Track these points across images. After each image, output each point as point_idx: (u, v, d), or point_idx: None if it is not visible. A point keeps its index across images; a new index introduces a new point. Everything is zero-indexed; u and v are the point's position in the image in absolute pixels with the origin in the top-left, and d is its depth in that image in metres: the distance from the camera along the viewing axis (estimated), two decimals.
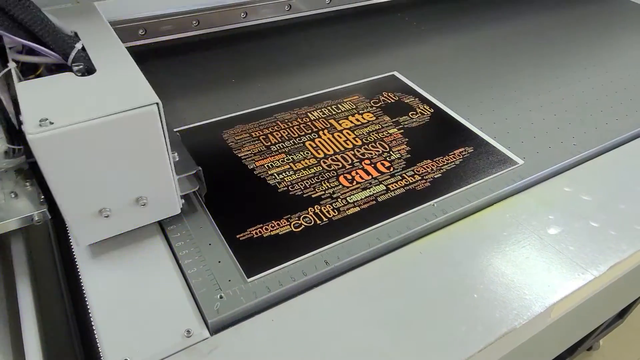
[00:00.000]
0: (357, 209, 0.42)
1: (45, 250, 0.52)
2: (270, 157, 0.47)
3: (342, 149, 0.49)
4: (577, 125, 0.54)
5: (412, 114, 0.54)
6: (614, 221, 0.43)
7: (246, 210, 0.42)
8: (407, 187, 0.44)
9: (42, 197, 0.40)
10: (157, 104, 0.33)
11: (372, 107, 0.55)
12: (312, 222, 0.41)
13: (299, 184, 0.44)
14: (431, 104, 0.56)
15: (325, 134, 0.50)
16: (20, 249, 0.41)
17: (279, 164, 0.46)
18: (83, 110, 0.32)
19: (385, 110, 0.54)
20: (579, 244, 0.41)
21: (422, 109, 0.55)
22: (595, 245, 0.41)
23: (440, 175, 0.46)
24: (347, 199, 0.43)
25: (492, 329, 0.34)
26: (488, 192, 0.45)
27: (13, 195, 0.40)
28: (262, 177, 0.45)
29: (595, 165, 0.50)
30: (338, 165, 0.46)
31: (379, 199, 0.43)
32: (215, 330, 0.33)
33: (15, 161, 0.42)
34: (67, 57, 0.38)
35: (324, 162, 0.47)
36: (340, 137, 0.50)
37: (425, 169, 0.47)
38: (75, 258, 0.38)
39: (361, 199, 0.43)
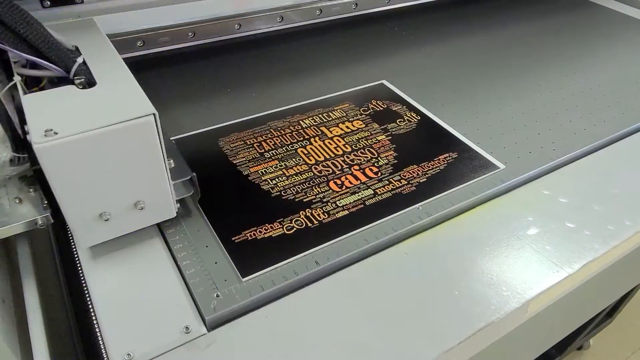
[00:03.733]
0: (346, 212, 0.44)
1: (46, 253, 0.54)
2: (264, 163, 0.49)
3: (333, 155, 0.51)
4: (556, 131, 0.57)
5: (399, 121, 0.57)
6: (588, 222, 0.46)
7: (241, 214, 0.44)
8: (394, 191, 0.47)
9: (45, 202, 0.42)
10: (154, 114, 0.36)
11: (361, 114, 0.57)
12: (304, 225, 0.43)
13: (291, 189, 0.46)
14: (418, 112, 0.58)
15: (316, 141, 0.53)
16: (25, 252, 0.43)
17: (272, 170, 0.48)
18: (85, 121, 0.34)
19: (374, 118, 0.57)
20: (555, 244, 0.43)
21: (409, 117, 0.58)
22: (570, 244, 0.43)
23: (425, 179, 0.48)
24: (337, 202, 0.45)
25: (471, 323, 0.36)
26: (471, 195, 0.47)
27: (17, 201, 0.42)
28: (256, 182, 0.47)
29: (573, 170, 0.52)
30: (328, 171, 0.49)
31: (367, 203, 0.45)
32: (212, 326, 0.35)
33: (19, 168, 0.44)
34: (69, 70, 0.40)
35: (315, 168, 0.49)
36: (331, 144, 0.52)
37: (411, 174, 0.49)
38: (78, 260, 0.40)
39: (350, 203, 0.45)
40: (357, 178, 0.48)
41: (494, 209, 0.47)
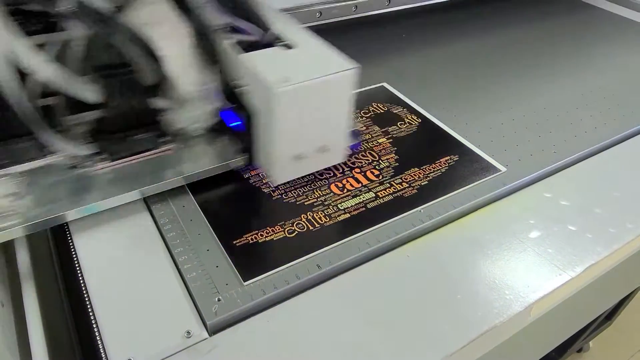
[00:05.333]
0: (348, 215, 0.44)
1: (46, 257, 0.54)
2: None
3: None
4: (557, 134, 0.57)
5: (400, 124, 0.57)
6: (590, 225, 0.46)
7: (242, 217, 0.44)
8: (395, 194, 0.47)
9: (239, 146, 0.46)
10: (355, 68, 0.42)
11: (362, 117, 0.57)
12: (305, 228, 0.43)
13: (292, 192, 0.46)
14: (419, 114, 0.58)
15: None
16: (25, 257, 0.43)
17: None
18: (305, 72, 0.40)
19: (374, 120, 0.57)
20: (558, 247, 0.43)
21: (410, 119, 0.57)
22: (572, 247, 0.43)
23: (426, 182, 0.48)
24: (338, 205, 0.45)
25: (474, 327, 0.36)
26: (472, 198, 0.47)
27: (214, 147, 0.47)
28: (257, 185, 0.47)
29: (574, 172, 0.52)
30: (329, 173, 0.49)
31: (369, 206, 0.45)
32: (213, 331, 0.35)
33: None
34: (264, 35, 0.45)
35: (317, 171, 0.49)
36: None
37: (412, 177, 0.49)
38: (78, 263, 0.40)
39: (351, 206, 0.45)
40: (358, 181, 0.48)
41: (495, 212, 0.47)
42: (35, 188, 0.40)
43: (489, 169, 0.51)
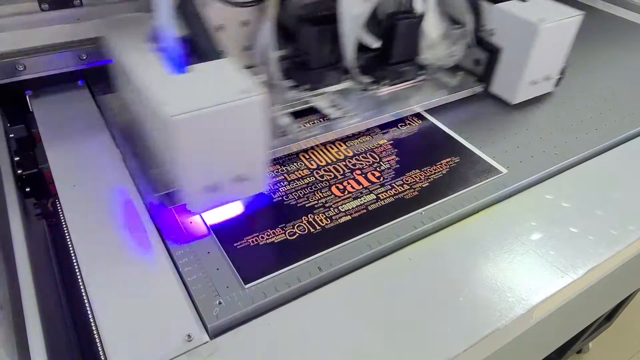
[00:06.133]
0: (349, 217, 0.44)
1: (45, 260, 0.53)
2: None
3: (334, 159, 0.51)
4: (558, 135, 0.57)
5: (401, 125, 0.56)
6: (592, 226, 0.45)
7: (243, 219, 0.43)
8: (397, 196, 0.46)
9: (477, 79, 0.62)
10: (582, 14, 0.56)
11: None
12: (306, 231, 0.42)
13: (293, 194, 0.46)
14: (419, 116, 0.58)
15: (317, 146, 0.52)
16: (24, 260, 0.42)
17: (274, 174, 0.48)
18: (549, 16, 0.55)
19: None
20: (559, 249, 0.43)
21: (410, 121, 0.57)
22: (574, 249, 0.43)
23: (428, 184, 0.48)
24: (339, 208, 0.45)
25: (476, 330, 0.36)
26: (473, 200, 0.47)
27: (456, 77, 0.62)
28: None
29: (575, 174, 0.52)
30: (330, 175, 0.48)
31: (370, 208, 0.45)
32: (214, 334, 0.35)
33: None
34: None
35: (317, 173, 0.49)
36: (332, 148, 0.52)
37: (413, 179, 0.49)
38: (77, 267, 0.40)
39: (352, 208, 0.45)
40: (359, 183, 0.48)
41: (497, 214, 0.47)
42: (348, 102, 0.55)
43: (490, 170, 0.50)
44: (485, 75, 0.60)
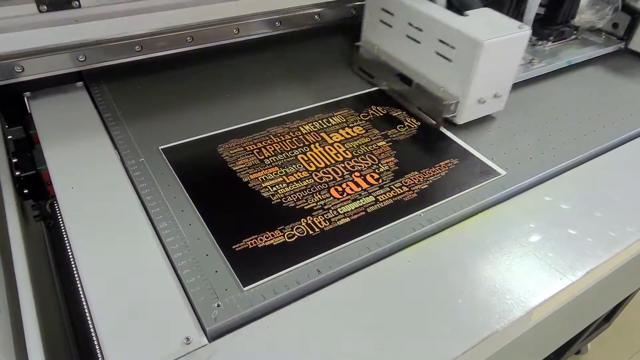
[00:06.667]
0: (348, 219, 0.44)
1: (43, 263, 0.53)
2: (264, 170, 0.49)
3: (333, 161, 0.51)
4: (556, 137, 0.57)
5: (399, 127, 0.56)
6: (590, 228, 0.45)
7: (241, 221, 0.43)
8: (395, 198, 0.46)
9: None
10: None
11: (361, 120, 0.57)
12: (305, 233, 0.42)
13: (291, 196, 0.46)
14: (418, 117, 0.58)
15: (316, 147, 0.52)
16: (22, 262, 0.42)
17: (273, 176, 0.48)
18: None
19: (374, 124, 0.57)
20: (558, 251, 0.43)
21: (409, 122, 0.57)
22: (573, 251, 0.43)
23: (426, 186, 0.48)
24: (338, 210, 0.45)
25: (475, 332, 0.36)
26: (472, 202, 0.47)
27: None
28: (256, 189, 0.47)
29: (574, 175, 0.52)
30: (329, 177, 0.48)
31: (369, 210, 0.45)
32: (213, 337, 0.35)
33: None
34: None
35: (316, 175, 0.49)
36: (331, 150, 0.52)
37: (412, 181, 0.49)
38: (76, 269, 0.39)
39: (351, 210, 0.45)
40: (358, 185, 0.48)
41: (495, 216, 0.47)
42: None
43: (488, 172, 0.50)
44: (626, 35, 0.74)
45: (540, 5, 0.68)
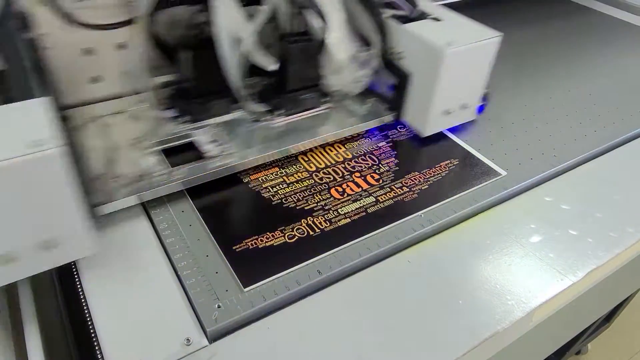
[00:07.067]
0: (348, 220, 0.44)
1: None
2: (264, 170, 0.49)
3: (333, 162, 0.51)
4: (557, 137, 0.57)
5: (400, 128, 0.56)
6: (591, 229, 0.45)
7: (242, 222, 0.43)
8: (396, 199, 0.46)
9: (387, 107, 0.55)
10: (498, 36, 0.50)
11: None
12: (305, 234, 0.42)
13: (292, 196, 0.46)
14: None
15: (316, 148, 0.52)
16: None
17: (273, 177, 0.48)
18: (461, 39, 0.48)
19: None
20: (559, 251, 0.43)
21: None
22: (573, 252, 0.43)
23: (427, 186, 0.48)
24: (339, 210, 0.45)
25: (476, 333, 0.36)
26: (473, 202, 0.47)
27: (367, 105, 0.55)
28: (256, 190, 0.46)
29: (575, 176, 0.52)
30: (329, 178, 0.48)
31: (369, 210, 0.45)
32: (213, 338, 0.35)
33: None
34: (413, 10, 0.52)
35: (316, 175, 0.49)
36: (331, 151, 0.52)
37: (412, 181, 0.49)
38: (75, 270, 0.39)
39: (352, 211, 0.45)
40: (358, 185, 0.48)
41: (496, 216, 0.47)
42: (232, 136, 0.48)
43: (489, 173, 0.50)
44: (395, 102, 0.53)
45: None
